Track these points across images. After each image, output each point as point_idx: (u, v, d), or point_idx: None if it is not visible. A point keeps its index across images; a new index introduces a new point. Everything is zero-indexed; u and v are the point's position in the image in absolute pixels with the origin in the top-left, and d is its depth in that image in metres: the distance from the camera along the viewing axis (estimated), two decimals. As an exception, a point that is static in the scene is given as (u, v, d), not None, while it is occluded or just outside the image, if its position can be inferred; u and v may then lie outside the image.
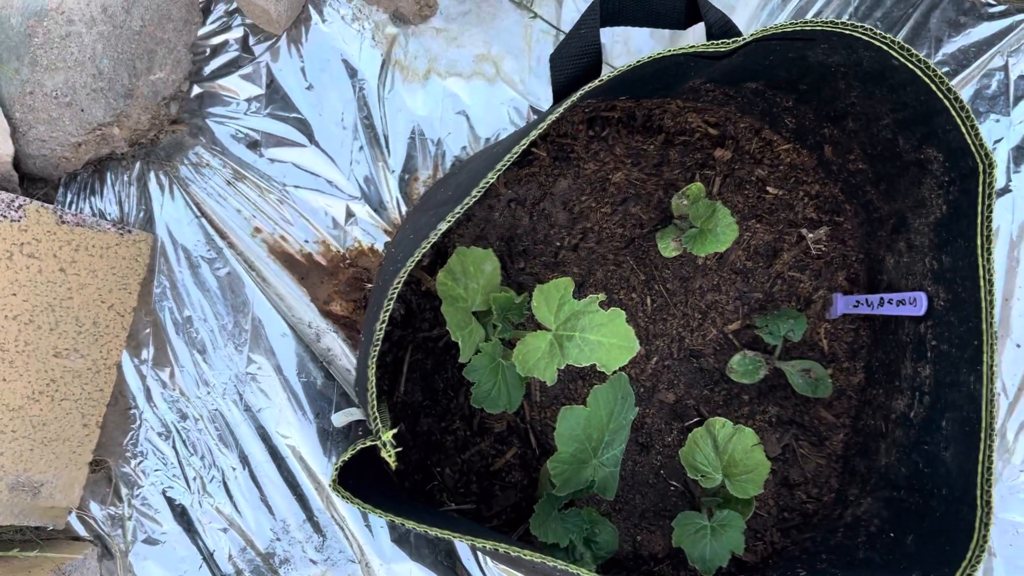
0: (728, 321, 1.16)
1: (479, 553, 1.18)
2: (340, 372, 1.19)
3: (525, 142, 0.81)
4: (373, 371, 0.78)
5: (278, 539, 1.18)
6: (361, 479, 0.83)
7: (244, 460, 1.18)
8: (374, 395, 0.78)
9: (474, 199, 0.79)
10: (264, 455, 1.18)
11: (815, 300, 1.15)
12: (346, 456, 0.80)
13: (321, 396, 1.20)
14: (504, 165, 0.81)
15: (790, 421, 1.15)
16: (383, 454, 0.79)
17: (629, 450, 1.13)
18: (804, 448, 1.15)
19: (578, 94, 0.82)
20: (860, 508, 1.07)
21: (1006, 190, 1.28)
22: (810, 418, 1.15)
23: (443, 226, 0.79)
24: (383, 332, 0.78)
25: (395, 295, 0.78)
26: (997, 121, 1.29)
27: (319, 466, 1.18)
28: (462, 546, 1.19)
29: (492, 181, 0.80)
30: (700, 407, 1.15)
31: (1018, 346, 1.28)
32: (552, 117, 0.82)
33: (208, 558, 1.17)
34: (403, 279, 0.79)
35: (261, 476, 1.18)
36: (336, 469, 0.79)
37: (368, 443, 0.79)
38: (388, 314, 0.75)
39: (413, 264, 0.79)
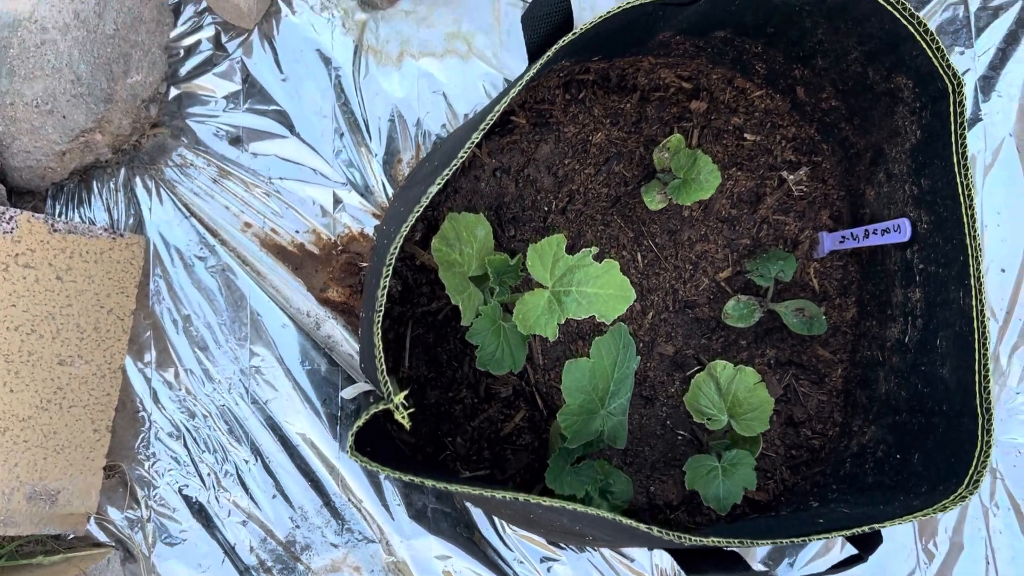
0: (719, 269, 1.18)
1: (497, 520, 1.19)
2: (343, 358, 1.21)
3: (505, 100, 0.83)
4: (378, 332, 0.79)
5: (297, 527, 1.19)
6: (377, 451, 0.84)
7: (256, 452, 1.19)
8: (381, 359, 0.79)
9: (462, 159, 0.81)
10: (276, 445, 1.19)
11: (802, 240, 1.17)
12: (360, 421, 0.81)
13: (326, 383, 1.21)
14: (487, 124, 0.83)
15: (789, 362, 1.18)
16: (396, 416, 0.80)
17: (634, 404, 1.14)
18: (805, 387, 1.17)
19: (554, 49, 0.84)
20: (865, 437, 1.09)
21: (977, 119, 1.31)
22: (808, 357, 1.17)
23: (433, 189, 0.80)
24: (385, 294, 0.79)
25: (393, 259, 0.80)
26: (962, 53, 1.32)
27: (331, 451, 1.20)
28: (480, 517, 1.20)
29: (478, 140, 0.81)
30: (699, 356, 1.17)
31: (1003, 271, 1.31)
32: (531, 73, 0.83)
33: (230, 551, 1.18)
34: (399, 244, 0.80)
35: (275, 466, 1.19)
36: (352, 435, 0.80)
37: (381, 407, 0.80)
38: (390, 270, 0.76)
39: (408, 228, 0.80)
